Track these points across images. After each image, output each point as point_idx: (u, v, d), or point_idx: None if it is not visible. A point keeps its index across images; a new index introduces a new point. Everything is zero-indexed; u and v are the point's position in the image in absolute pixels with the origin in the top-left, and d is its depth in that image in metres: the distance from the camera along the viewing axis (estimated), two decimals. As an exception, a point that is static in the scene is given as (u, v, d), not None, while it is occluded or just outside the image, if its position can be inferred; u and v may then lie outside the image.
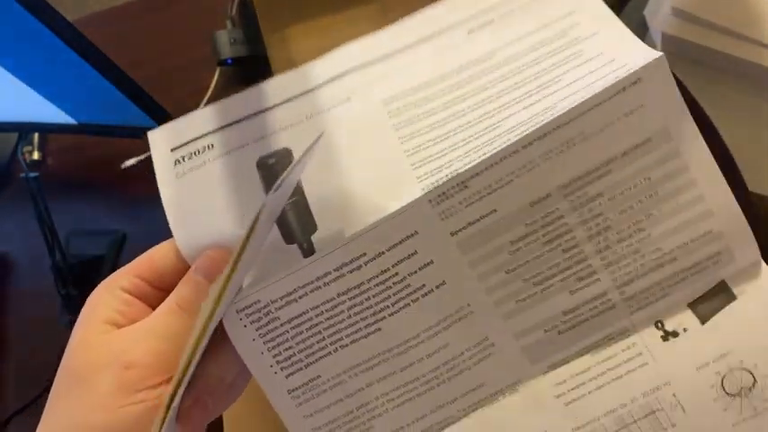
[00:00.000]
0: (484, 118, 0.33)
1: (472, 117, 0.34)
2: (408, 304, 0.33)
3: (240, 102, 0.37)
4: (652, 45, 0.33)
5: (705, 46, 0.33)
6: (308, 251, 0.33)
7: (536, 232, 0.32)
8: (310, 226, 0.33)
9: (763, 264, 0.32)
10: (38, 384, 0.65)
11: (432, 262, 0.32)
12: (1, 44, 0.56)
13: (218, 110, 0.37)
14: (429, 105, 0.35)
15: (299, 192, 0.33)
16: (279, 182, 0.27)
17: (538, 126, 0.30)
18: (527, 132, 0.31)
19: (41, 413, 0.31)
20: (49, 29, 0.53)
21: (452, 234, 0.32)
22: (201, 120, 0.37)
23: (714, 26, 0.32)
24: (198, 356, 0.29)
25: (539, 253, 0.32)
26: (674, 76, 0.30)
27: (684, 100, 0.32)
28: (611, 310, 0.33)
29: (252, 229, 0.27)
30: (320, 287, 0.33)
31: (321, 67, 0.37)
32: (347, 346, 0.33)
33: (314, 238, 0.33)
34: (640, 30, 0.36)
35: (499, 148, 0.31)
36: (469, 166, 0.31)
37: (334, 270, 0.32)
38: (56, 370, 0.32)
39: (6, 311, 0.71)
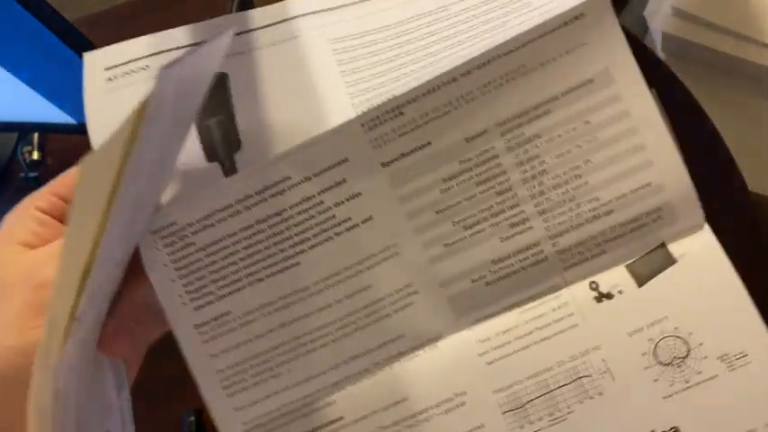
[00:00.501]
0: (428, 56, 0.32)
1: (417, 56, 0.33)
2: (331, 238, 0.31)
3: (184, 32, 0.36)
4: (652, 45, 0.32)
5: (705, 46, 0.32)
6: (230, 170, 0.31)
7: (469, 171, 0.31)
8: (234, 143, 0.31)
9: (706, 226, 0.31)
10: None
11: (360, 194, 0.31)
12: (1, 44, 0.57)
13: (161, 36, 0.36)
14: (375, 47, 0.34)
15: (227, 108, 0.32)
16: (169, 67, 0.24)
17: (478, 54, 0.29)
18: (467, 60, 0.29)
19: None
20: (48, 29, 0.53)
21: (384, 165, 0.31)
22: (142, 44, 0.36)
23: (714, 26, 0.31)
24: (92, 269, 0.26)
25: (471, 194, 0.31)
26: (675, 75, 0.29)
27: (684, 100, 0.30)
28: (542, 263, 0.31)
29: (135, 124, 0.23)
30: (240, 212, 0.31)
31: (276, 8, 0.36)
32: (262, 280, 0.31)
33: (238, 159, 0.31)
34: (640, 30, 0.36)
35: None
36: (406, 90, 0.30)
37: (256, 193, 0.31)
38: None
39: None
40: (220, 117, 0.32)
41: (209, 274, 0.31)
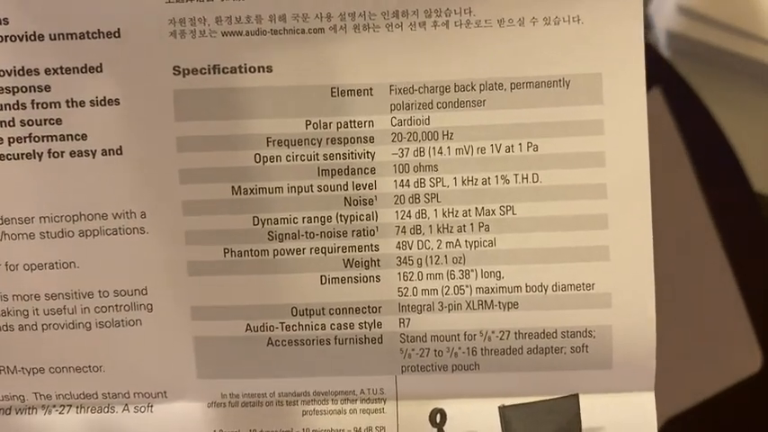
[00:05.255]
0: None
1: None
2: (39, 154, 0.17)
3: None
4: (656, 43, 0.32)
5: (711, 44, 0.30)
6: None
7: (317, 144, 0.17)
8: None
9: (653, 404, 0.18)
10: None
11: (118, 101, 0.17)
12: None
13: None
14: None
15: None
16: None
17: None
18: None
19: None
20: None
21: (177, 71, 0.17)
22: None
23: (720, 24, 0.30)
24: None
25: (305, 182, 0.18)
26: (680, 74, 0.28)
27: (689, 99, 0.28)
28: (372, 345, 0.18)
29: None
30: None
31: None
32: None
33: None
34: (644, 28, 0.33)
35: None
36: None
37: None
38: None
39: None
40: None
41: None
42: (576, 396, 0.18)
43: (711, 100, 0.29)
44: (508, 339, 0.18)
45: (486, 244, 0.17)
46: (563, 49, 0.17)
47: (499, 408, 0.18)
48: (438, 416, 0.18)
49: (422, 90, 0.17)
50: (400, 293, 0.18)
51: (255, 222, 0.18)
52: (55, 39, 0.17)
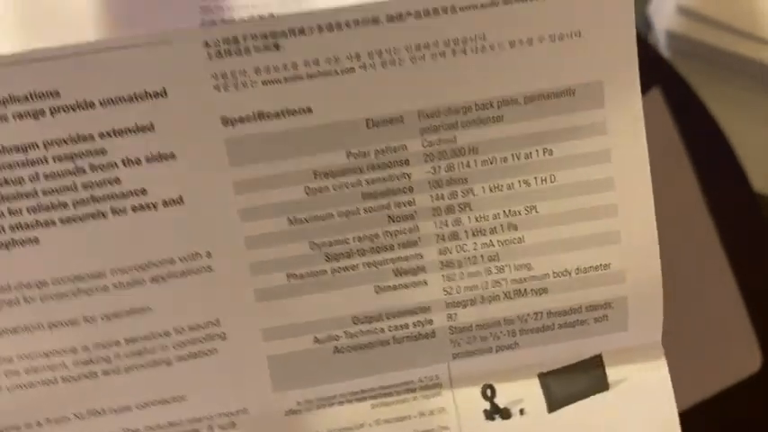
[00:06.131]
0: None
1: None
2: (103, 214, 0.19)
3: None
4: (656, 44, 0.32)
5: (711, 44, 0.30)
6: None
7: (359, 172, 0.19)
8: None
9: (662, 352, 0.21)
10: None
11: (173, 156, 0.19)
12: None
13: None
14: None
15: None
16: None
17: None
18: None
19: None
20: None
21: (225, 122, 0.19)
22: None
23: (721, 24, 0.30)
24: None
25: (350, 207, 0.20)
26: (680, 74, 0.28)
27: (689, 100, 0.28)
28: (426, 340, 0.20)
29: None
30: None
31: None
32: None
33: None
34: (644, 28, 0.36)
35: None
36: (293, 11, 0.18)
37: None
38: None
39: None
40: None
41: None
42: (600, 356, 0.21)
43: (711, 100, 0.29)
44: (542, 319, 0.20)
45: (515, 241, 0.20)
46: (567, 62, 0.19)
47: (539, 375, 0.21)
48: (489, 391, 0.21)
49: (447, 112, 0.19)
50: (446, 293, 0.20)
51: (312, 247, 0.19)
52: (105, 104, 0.18)
